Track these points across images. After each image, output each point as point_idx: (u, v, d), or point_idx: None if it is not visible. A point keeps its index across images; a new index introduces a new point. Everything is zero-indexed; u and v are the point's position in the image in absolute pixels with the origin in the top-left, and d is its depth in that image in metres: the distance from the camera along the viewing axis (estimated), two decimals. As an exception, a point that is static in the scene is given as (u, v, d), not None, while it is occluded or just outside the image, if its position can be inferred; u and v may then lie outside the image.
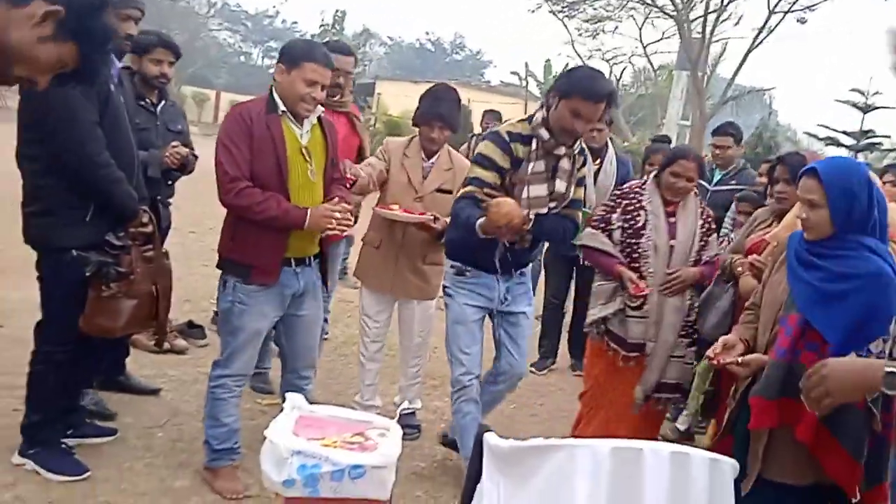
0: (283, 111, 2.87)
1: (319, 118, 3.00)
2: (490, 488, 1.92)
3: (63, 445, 2.97)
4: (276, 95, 2.88)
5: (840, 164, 2.33)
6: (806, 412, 2.16)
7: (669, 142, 5.86)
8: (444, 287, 3.34)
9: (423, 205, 3.56)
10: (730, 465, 1.86)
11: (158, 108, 3.72)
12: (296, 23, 51.41)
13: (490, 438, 1.97)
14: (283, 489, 1.98)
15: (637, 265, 3.30)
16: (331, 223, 2.85)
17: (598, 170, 4.61)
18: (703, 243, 3.38)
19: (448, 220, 3.34)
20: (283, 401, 3.74)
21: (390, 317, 3.78)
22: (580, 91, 2.88)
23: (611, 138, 4.95)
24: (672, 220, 3.34)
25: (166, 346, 4.14)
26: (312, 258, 3.07)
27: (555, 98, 2.97)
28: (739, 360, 2.36)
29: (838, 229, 2.21)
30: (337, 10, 27.34)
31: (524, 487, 1.85)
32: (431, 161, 3.62)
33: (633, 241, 3.32)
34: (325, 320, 4.19)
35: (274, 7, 50.65)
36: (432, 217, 3.44)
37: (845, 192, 2.19)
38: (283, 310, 3.02)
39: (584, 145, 3.21)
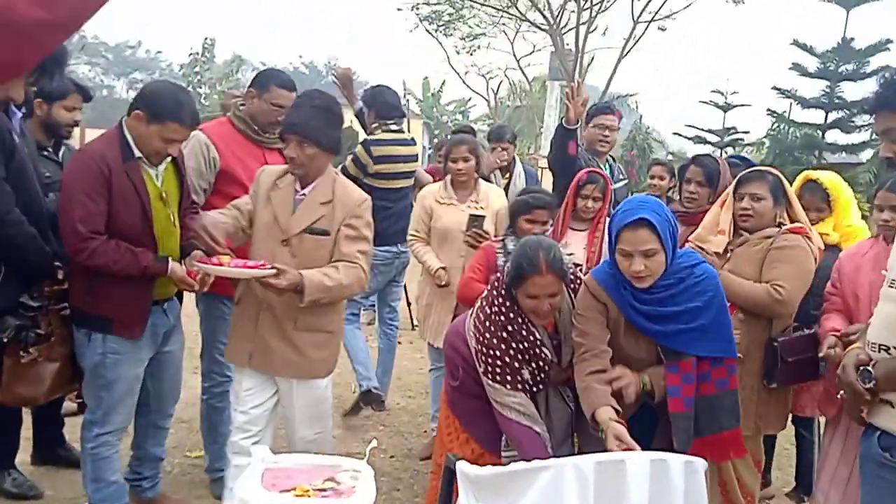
0: (139, 157, 2.64)
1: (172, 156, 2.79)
2: (471, 517, 1.91)
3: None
4: (129, 139, 2.63)
5: (653, 204, 2.28)
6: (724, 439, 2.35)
7: (472, 132, 5.29)
8: None
9: (290, 250, 2.67)
10: (701, 464, 1.95)
11: (61, 155, 3.38)
12: (160, 52, 49.55)
13: (465, 467, 1.96)
14: (260, 548, 1.88)
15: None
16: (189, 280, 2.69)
17: (508, 184, 4.72)
18: None
19: (311, 273, 2.57)
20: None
21: (270, 400, 2.79)
22: None
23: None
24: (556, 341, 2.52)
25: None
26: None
27: None
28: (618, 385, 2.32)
29: (668, 264, 2.28)
30: (206, 38, 26.57)
31: (510, 512, 1.86)
32: (305, 191, 2.73)
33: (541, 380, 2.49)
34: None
35: (137, 40, 48.54)
36: (273, 270, 2.53)
37: (670, 229, 2.27)
38: (156, 349, 2.86)
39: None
